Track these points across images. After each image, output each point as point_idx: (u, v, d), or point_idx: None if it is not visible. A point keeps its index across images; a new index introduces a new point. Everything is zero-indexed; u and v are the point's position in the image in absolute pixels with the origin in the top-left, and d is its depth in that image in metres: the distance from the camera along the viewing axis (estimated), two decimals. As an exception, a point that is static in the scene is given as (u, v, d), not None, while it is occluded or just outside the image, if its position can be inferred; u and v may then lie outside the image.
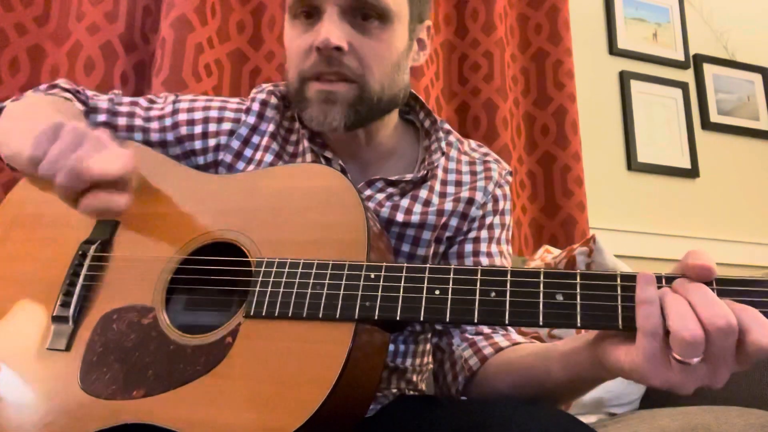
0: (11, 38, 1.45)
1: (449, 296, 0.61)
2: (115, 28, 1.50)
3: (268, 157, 0.89)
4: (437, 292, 0.62)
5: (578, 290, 0.57)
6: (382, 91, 0.83)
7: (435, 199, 0.87)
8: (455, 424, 0.63)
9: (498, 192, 0.92)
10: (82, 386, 0.69)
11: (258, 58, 1.64)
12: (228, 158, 0.90)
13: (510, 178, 0.95)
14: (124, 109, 0.93)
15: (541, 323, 0.57)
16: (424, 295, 0.62)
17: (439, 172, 0.90)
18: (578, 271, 0.58)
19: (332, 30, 0.78)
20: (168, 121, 0.92)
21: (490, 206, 0.90)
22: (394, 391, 0.89)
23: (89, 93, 0.95)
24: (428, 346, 0.93)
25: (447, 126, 0.96)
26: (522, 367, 0.73)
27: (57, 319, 0.75)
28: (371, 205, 0.85)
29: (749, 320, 0.49)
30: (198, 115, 0.91)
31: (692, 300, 0.50)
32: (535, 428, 0.57)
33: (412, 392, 0.92)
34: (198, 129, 0.91)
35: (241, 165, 0.90)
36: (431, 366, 0.92)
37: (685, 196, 2.22)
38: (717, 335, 0.49)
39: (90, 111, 0.92)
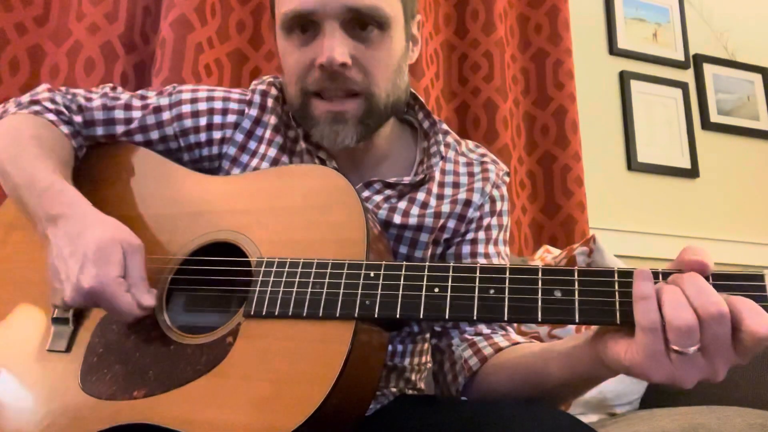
0: (11, 38, 1.45)
1: (448, 294, 0.61)
2: (115, 28, 1.50)
3: (272, 151, 0.88)
4: (436, 290, 0.62)
5: (576, 287, 0.57)
6: (387, 99, 0.82)
7: (432, 201, 0.87)
8: (455, 424, 0.63)
9: (495, 193, 0.91)
10: (82, 387, 0.69)
11: (258, 58, 1.64)
12: (232, 151, 0.89)
13: (507, 179, 0.95)
14: (119, 115, 0.90)
15: (539, 320, 0.58)
16: (424, 293, 0.62)
17: (437, 174, 0.90)
18: (576, 267, 0.58)
19: (335, 47, 0.76)
20: (167, 115, 0.90)
21: (487, 207, 0.90)
22: (393, 390, 0.89)
23: (81, 101, 0.90)
24: (426, 345, 0.93)
25: (445, 126, 0.96)
26: (522, 366, 0.73)
27: (57, 321, 0.75)
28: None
29: (744, 309, 0.50)
30: (202, 107, 0.90)
31: (686, 289, 0.51)
32: (535, 428, 0.57)
33: (411, 391, 0.92)
34: (203, 121, 0.89)
35: (245, 158, 0.89)
36: (430, 365, 0.92)
37: (685, 196, 2.22)
38: (710, 322, 0.49)
39: (86, 124, 0.89)
